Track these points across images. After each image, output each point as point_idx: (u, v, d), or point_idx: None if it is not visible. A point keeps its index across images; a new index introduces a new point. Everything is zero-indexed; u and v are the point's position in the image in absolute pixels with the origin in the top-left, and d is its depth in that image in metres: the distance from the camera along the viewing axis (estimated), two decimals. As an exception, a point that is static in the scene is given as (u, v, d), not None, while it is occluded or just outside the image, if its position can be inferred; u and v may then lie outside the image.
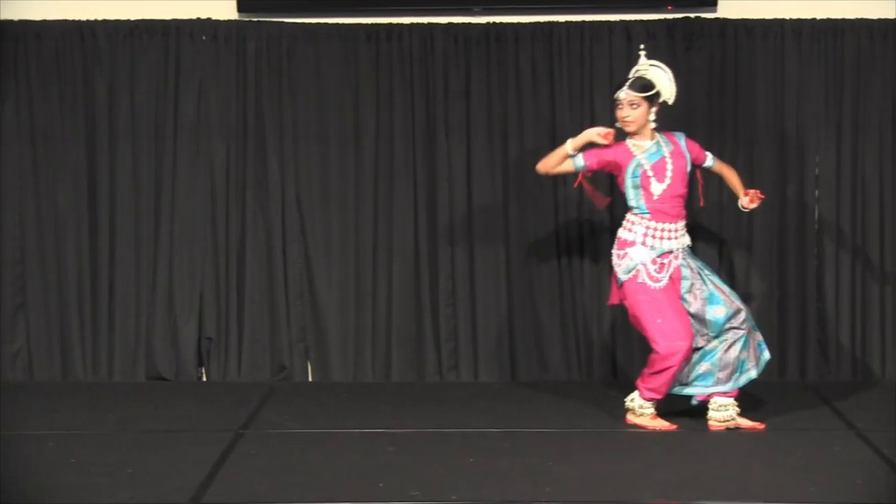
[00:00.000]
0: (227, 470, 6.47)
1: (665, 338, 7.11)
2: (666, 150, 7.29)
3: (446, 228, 8.59)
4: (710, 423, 7.23)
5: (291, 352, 8.66)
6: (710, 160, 7.47)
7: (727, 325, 7.18)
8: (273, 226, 8.61)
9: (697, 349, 7.22)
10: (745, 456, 6.70)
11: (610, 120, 8.42)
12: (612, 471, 6.43)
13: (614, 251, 7.33)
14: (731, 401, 7.23)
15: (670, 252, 7.24)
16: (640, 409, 7.29)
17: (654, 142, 7.30)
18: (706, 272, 7.32)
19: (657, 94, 7.24)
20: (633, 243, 7.25)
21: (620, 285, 7.30)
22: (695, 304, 7.20)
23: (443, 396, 8.16)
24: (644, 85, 7.22)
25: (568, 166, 7.36)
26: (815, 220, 8.58)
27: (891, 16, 8.47)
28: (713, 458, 6.66)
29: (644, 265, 7.20)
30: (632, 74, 7.28)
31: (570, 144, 7.31)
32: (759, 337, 7.33)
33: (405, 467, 6.51)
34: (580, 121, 8.49)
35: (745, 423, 7.23)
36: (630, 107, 7.24)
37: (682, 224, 7.31)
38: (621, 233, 7.34)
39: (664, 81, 7.25)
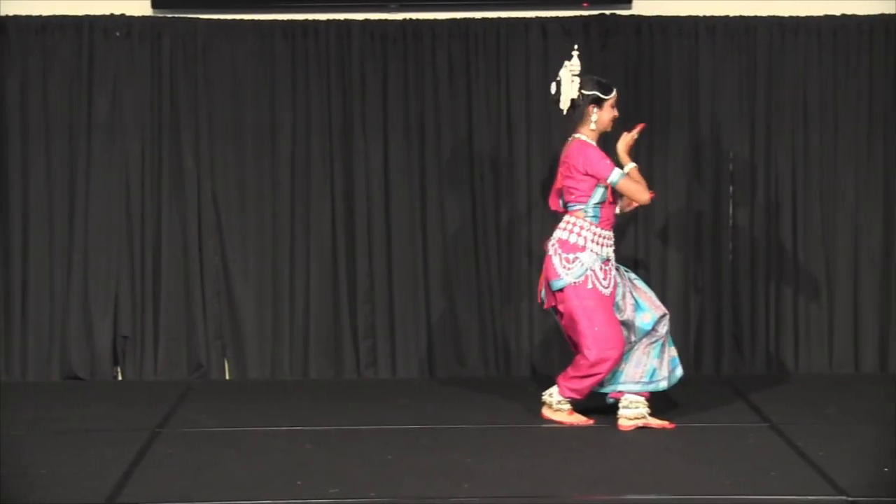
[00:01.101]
0: (144, 469, 6.43)
1: (598, 346, 7.10)
2: None
3: (364, 226, 8.58)
4: (620, 421, 7.21)
5: (208, 350, 8.62)
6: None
7: (651, 330, 7.21)
8: (189, 223, 8.56)
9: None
10: (662, 450, 6.75)
11: (526, 117, 8.49)
12: (530, 466, 6.45)
13: (559, 254, 7.19)
14: (642, 399, 7.23)
15: (608, 259, 7.27)
16: (558, 404, 7.32)
17: None
18: (632, 276, 7.34)
19: None
20: (582, 248, 7.16)
21: (560, 289, 7.19)
22: (626, 312, 7.21)
23: (361, 393, 8.15)
24: None
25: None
26: (730, 216, 8.66)
27: (801, 13, 8.56)
28: (630, 453, 6.70)
29: (593, 271, 7.16)
30: (577, 71, 7.17)
31: (628, 166, 7.16)
32: (673, 352, 7.32)
33: (323, 465, 6.50)
34: (497, 117, 8.52)
35: (655, 422, 7.22)
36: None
37: (611, 232, 7.34)
38: (567, 236, 7.20)
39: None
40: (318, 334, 8.62)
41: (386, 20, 8.54)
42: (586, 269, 7.14)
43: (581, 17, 8.51)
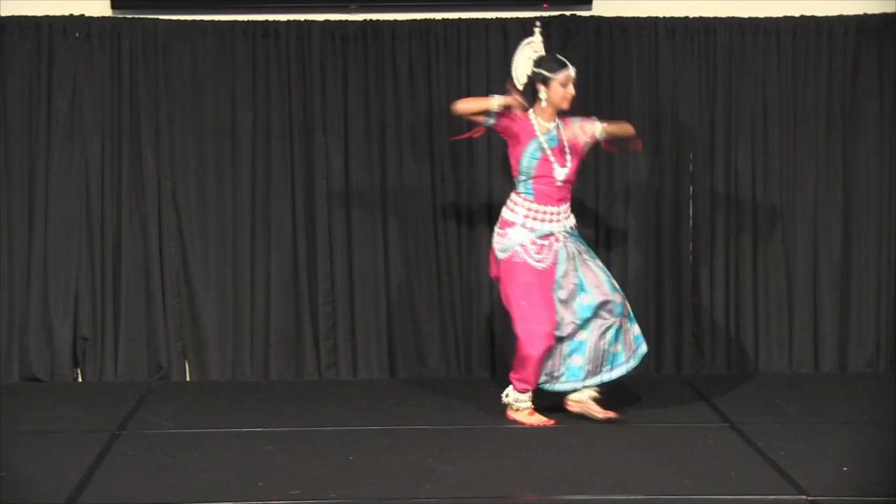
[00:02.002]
0: (104, 471, 6.40)
1: (524, 321, 7.20)
2: (564, 135, 7.34)
3: (324, 226, 8.57)
4: (567, 401, 7.32)
5: (169, 351, 8.59)
6: (597, 125, 7.42)
7: (594, 314, 7.23)
8: (149, 224, 8.53)
9: (562, 339, 7.26)
10: (622, 450, 6.77)
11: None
12: (490, 467, 6.46)
13: (496, 227, 7.38)
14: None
15: (551, 234, 7.29)
16: (517, 403, 7.33)
17: (553, 124, 7.34)
18: (586, 257, 7.35)
19: None
20: (512, 224, 7.30)
21: (498, 262, 7.36)
22: (566, 290, 7.25)
23: (322, 394, 8.14)
24: None
25: (479, 118, 7.30)
26: (690, 216, 8.69)
27: (761, 14, 8.60)
28: (590, 453, 6.72)
29: (523, 246, 7.25)
30: (538, 49, 7.31)
31: (496, 102, 7.21)
32: (636, 330, 7.38)
33: (284, 466, 6.49)
34: (458, 117, 8.50)
35: (597, 410, 7.28)
36: (573, 86, 7.31)
37: (565, 207, 7.36)
38: (504, 211, 7.37)
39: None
40: (279, 335, 8.61)
41: (346, 21, 8.54)
42: (515, 245, 7.27)
43: (541, 17, 8.52)
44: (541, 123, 7.32)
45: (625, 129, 7.51)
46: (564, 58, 7.37)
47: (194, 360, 8.64)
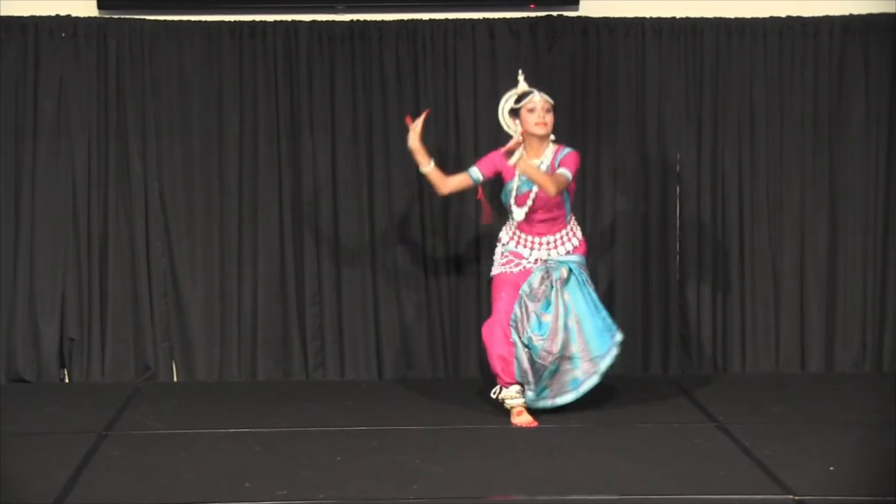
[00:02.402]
0: (91, 472, 6.40)
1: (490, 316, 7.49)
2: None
3: (312, 227, 8.57)
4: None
5: (156, 352, 8.58)
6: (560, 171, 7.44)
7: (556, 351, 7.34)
8: (136, 224, 8.52)
9: (562, 357, 7.33)
10: (610, 450, 6.77)
11: (474, 118, 8.49)
12: (478, 467, 6.46)
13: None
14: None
15: (527, 258, 7.46)
16: (508, 400, 7.38)
17: (539, 160, 7.43)
18: (579, 312, 7.39)
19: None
20: (500, 240, 7.59)
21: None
22: (530, 306, 7.39)
23: (309, 395, 8.14)
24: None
25: (466, 181, 7.54)
26: (677, 217, 8.69)
27: (747, 15, 8.61)
28: (578, 454, 6.72)
29: (502, 254, 7.52)
30: (519, 90, 7.46)
31: (423, 166, 7.48)
32: (575, 373, 7.43)
33: (272, 467, 6.48)
34: (444, 118, 8.53)
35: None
36: (546, 112, 7.41)
37: (550, 238, 7.49)
38: (501, 233, 7.65)
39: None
40: (267, 336, 8.61)
41: (333, 21, 8.53)
42: (497, 261, 7.58)
43: (528, 18, 8.53)
44: (524, 163, 7.37)
45: (539, 178, 7.33)
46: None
47: (181, 360, 8.62)
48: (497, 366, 7.38)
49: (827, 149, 8.68)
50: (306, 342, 8.61)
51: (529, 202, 7.41)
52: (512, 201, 7.46)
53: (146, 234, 8.53)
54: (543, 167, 7.37)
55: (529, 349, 7.30)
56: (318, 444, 6.92)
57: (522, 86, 7.45)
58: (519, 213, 7.44)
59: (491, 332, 7.40)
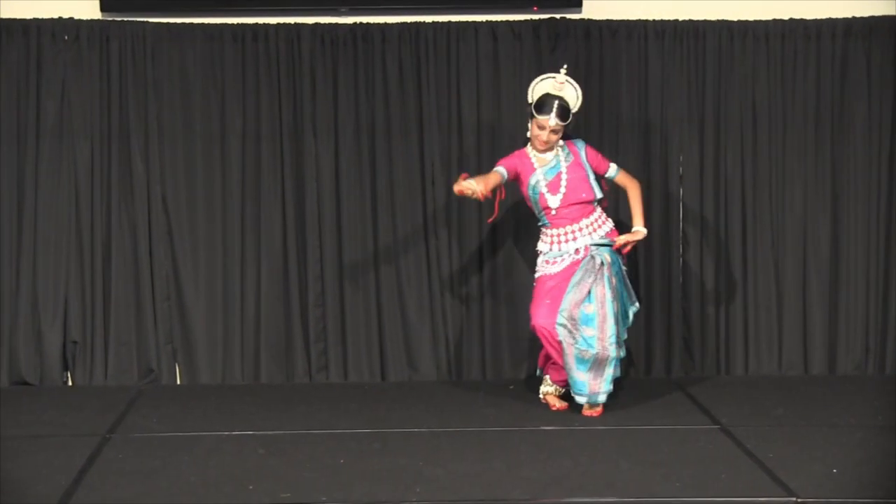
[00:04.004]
0: (94, 475, 6.40)
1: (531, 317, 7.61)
2: (563, 164, 7.58)
3: (314, 229, 8.57)
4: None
5: (159, 354, 8.58)
6: (612, 171, 7.77)
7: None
8: (139, 227, 8.52)
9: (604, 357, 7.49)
10: (612, 453, 6.77)
11: (477, 120, 8.49)
12: (480, 470, 6.47)
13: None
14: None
15: (577, 250, 7.60)
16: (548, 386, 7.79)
17: (554, 155, 7.58)
18: (607, 274, 7.54)
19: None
20: (539, 252, 7.73)
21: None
22: (576, 296, 7.46)
23: (312, 398, 8.14)
24: (566, 112, 7.49)
25: (498, 178, 7.53)
26: (679, 219, 8.69)
27: (749, 18, 8.61)
28: (580, 456, 6.72)
29: (545, 261, 7.66)
30: (550, 88, 7.52)
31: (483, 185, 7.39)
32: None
33: (275, 469, 6.49)
34: (447, 120, 8.53)
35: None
36: (553, 133, 7.51)
37: (588, 221, 7.64)
38: (538, 244, 7.75)
39: (577, 101, 7.60)
40: (270, 339, 8.61)
41: (336, 24, 8.53)
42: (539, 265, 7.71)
43: (531, 20, 8.53)
44: (538, 157, 7.59)
45: (640, 201, 7.80)
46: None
47: (184, 363, 8.63)
48: (540, 359, 7.80)
49: (829, 151, 8.68)
50: (309, 344, 8.61)
51: (563, 185, 7.53)
52: (544, 190, 7.55)
53: (149, 236, 8.53)
54: (564, 164, 7.58)
55: (587, 346, 7.44)
56: (321, 446, 6.92)
57: (562, 76, 7.54)
58: (554, 201, 7.55)
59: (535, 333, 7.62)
